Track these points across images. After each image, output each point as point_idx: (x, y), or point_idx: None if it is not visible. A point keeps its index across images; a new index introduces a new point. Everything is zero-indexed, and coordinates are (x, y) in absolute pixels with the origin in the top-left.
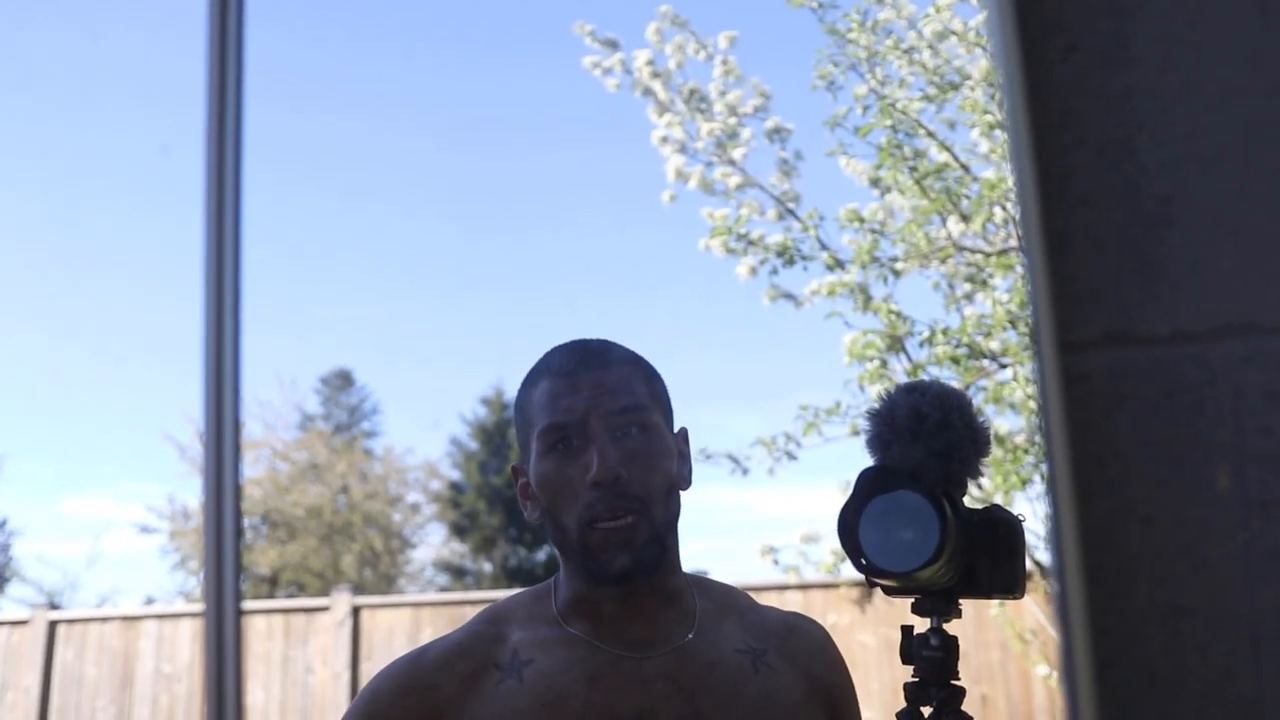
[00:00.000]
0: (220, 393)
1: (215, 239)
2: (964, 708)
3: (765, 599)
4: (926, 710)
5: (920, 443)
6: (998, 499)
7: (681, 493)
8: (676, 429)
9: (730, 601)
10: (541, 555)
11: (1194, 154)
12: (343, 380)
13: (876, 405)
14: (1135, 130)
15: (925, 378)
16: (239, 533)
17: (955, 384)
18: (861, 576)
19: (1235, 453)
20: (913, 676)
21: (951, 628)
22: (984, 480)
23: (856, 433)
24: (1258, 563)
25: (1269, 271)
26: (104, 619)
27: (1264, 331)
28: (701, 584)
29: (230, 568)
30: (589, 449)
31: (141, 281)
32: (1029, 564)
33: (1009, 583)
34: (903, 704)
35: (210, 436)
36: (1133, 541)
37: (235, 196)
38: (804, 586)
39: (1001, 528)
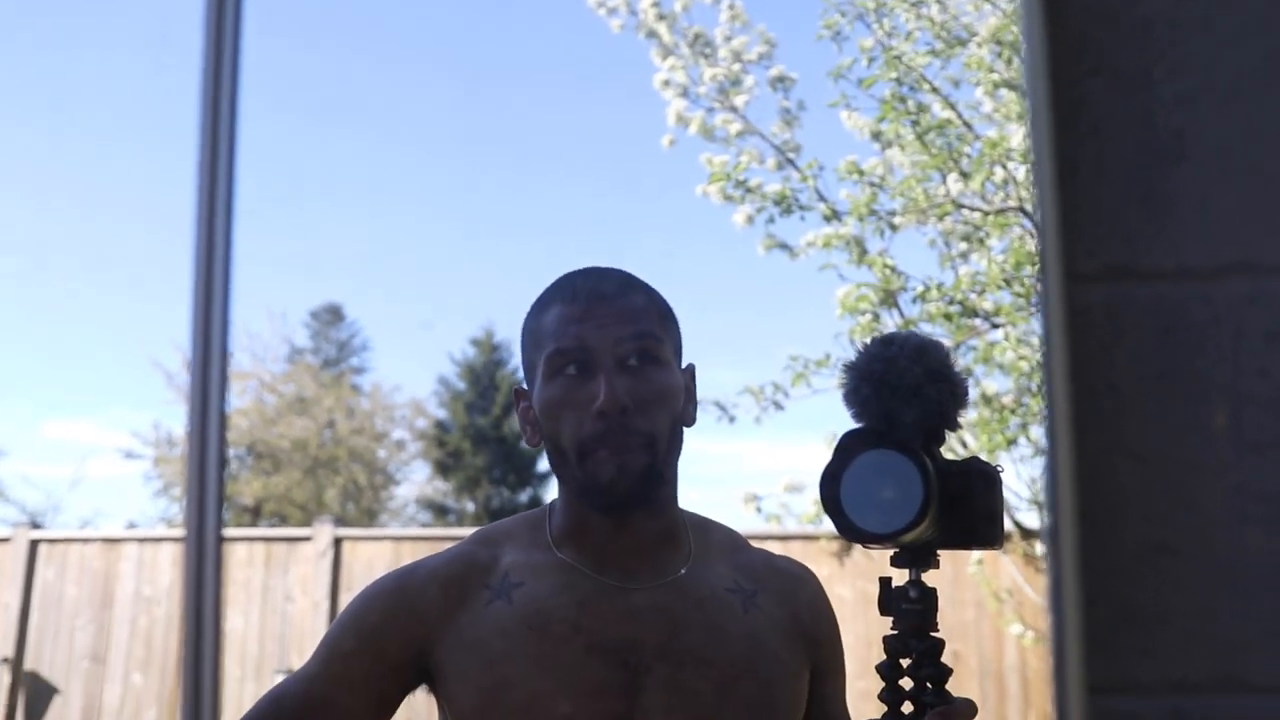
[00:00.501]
0: (209, 322)
1: (209, 166)
2: (941, 660)
3: None
4: (905, 662)
5: (898, 397)
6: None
7: (685, 429)
8: (684, 365)
9: (725, 541)
10: (524, 497)
11: (1210, 87)
12: (333, 315)
13: (853, 359)
14: (1153, 60)
15: (902, 331)
16: (223, 461)
17: (945, 341)
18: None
19: (1232, 393)
20: (892, 629)
21: (929, 579)
22: (969, 439)
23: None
24: (1247, 505)
25: (1275, 212)
26: (85, 540)
27: (1267, 271)
28: (698, 522)
29: (213, 495)
30: (596, 377)
31: (135, 209)
32: (1007, 521)
33: (987, 534)
34: (877, 657)
35: (197, 365)
36: (1123, 477)
37: (230, 125)
38: (784, 537)
39: (980, 480)
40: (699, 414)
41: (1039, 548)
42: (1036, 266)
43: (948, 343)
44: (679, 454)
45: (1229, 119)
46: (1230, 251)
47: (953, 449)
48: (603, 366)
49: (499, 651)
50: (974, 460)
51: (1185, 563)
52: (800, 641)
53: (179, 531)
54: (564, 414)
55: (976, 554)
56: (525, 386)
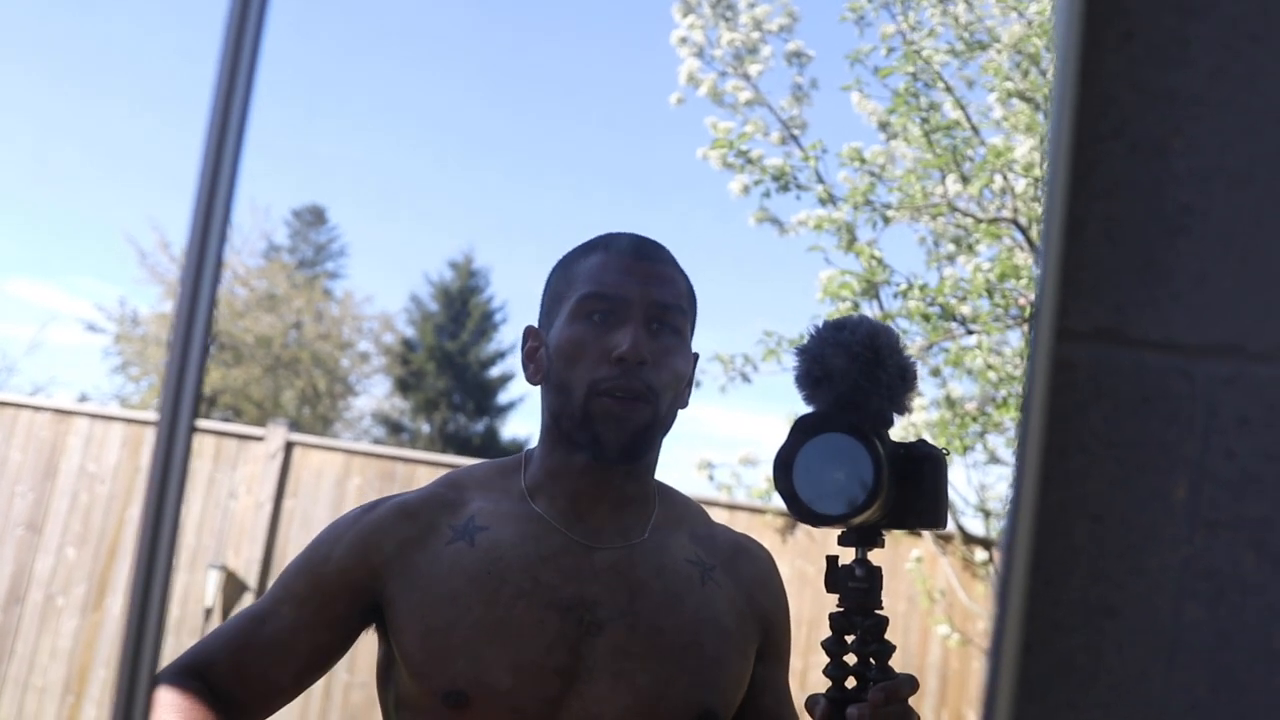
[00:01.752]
0: (210, 211)
1: (230, 61)
2: (885, 637)
3: None
4: (850, 638)
5: (850, 380)
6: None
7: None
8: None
9: (689, 514)
10: (480, 426)
11: (1224, 168)
12: (315, 216)
13: (805, 342)
14: (1172, 132)
15: (853, 315)
16: (205, 352)
17: (919, 340)
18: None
19: (1196, 469)
20: (838, 606)
21: (874, 558)
22: (927, 438)
23: None
24: (1192, 579)
25: (1267, 300)
26: (36, 408)
27: (1249, 357)
28: (666, 492)
29: (190, 387)
30: (624, 327)
31: (134, 86)
32: (951, 522)
33: (932, 516)
34: (807, 634)
35: (191, 259)
36: (1078, 535)
37: (258, 23)
38: (732, 507)
39: (926, 463)
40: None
41: (978, 554)
42: (1029, 316)
43: (921, 342)
44: (669, 428)
45: (1237, 201)
46: (1218, 332)
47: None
48: (633, 318)
49: (453, 590)
50: (921, 443)
51: (1125, 626)
52: (752, 621)
53: (132, 413)
54: (582, 354)
55: (915, 551)
56: (538, 328)
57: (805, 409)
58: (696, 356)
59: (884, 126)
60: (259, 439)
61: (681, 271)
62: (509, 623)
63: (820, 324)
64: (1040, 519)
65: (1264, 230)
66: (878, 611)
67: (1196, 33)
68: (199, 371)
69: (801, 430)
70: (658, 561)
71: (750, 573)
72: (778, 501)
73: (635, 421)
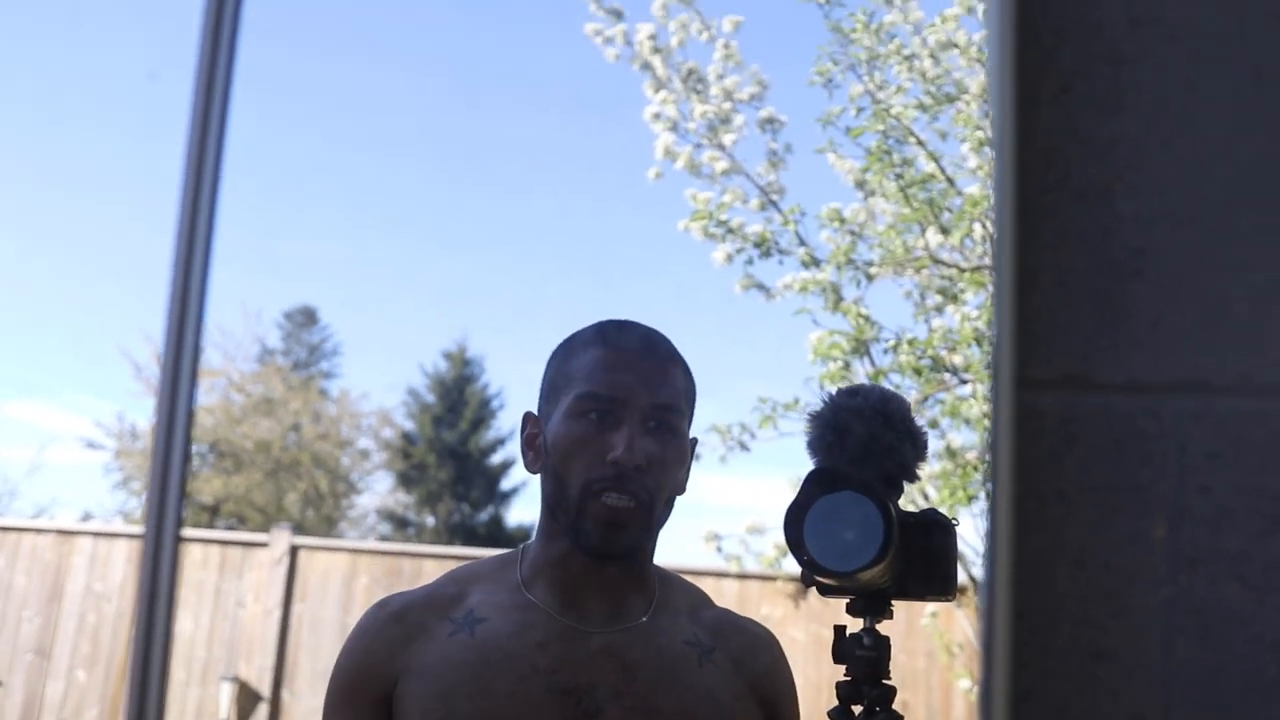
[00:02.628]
0: (184, 319)
1: (195, 165)
2: (893, 707)
3: (703, 584)
4: (857, 709)
5: (862, 446)
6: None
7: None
8: (691, 437)
9: (689, 596)
10: (484, 516)
11: (1170, 210)
12: (306, 317)
13: (818, 408)
14: (1115, 179)
15: (866, 383)
16: (186, 459)
17: (913, 394)
18: (800, 572)
19: (1173, 507)
20: (845, 675)
21: (883, 629)
22: (930, 491)
23: None
24: (1180, 617)
25: (1225, 334)
26: (39, 530)
27: (1214, 391)
28: (665, 576)
29: (174, 494)
30: (621, 429)
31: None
32: (961, 571)
33: (942, 586)
34: (827, 700)
35: (168, 361)
36: (1062, 582)
37: (220, 126)
38: (742, 576)
39: (936, 531)
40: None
41: None
42: (992, 369)
43: (915, 395)
44: (665, 522)
45: (1185, 241)
46: (1180, 369)
47: (914, 501)
48: (629, 420)
49: (454, 682)
50: (930, 512)
51: (1119, 669)
52: (754, 702)
53: (135, 528)
54: (578, 453)
55: (931, 606)
56: (538, 415)
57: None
58: (695, 441)
59: (860, 185)
60: (263, 545)
61: (682, 364)
62: (508, 710)
63: (834, 391)
64: (1022, 567)
65: (1213, 267)
66: (885, 681)
67: (1131, 80)
68: (181, 479)
69: (813, 486)
70: (656, 643)
71: (752, 653)
72: (787, 568)
73: (630, 525)
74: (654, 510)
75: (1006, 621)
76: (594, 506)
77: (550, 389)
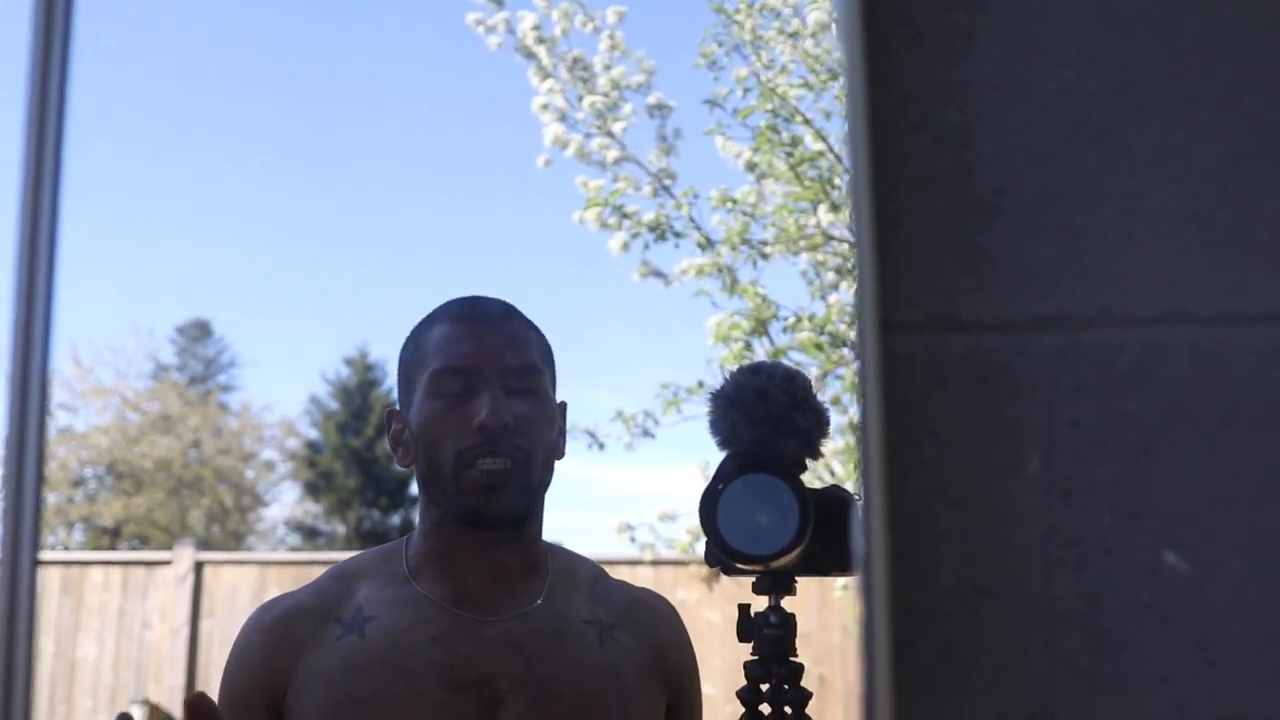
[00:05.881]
0: (29, 334)
1: (34, 173)
2: (803, 684)
3: (618, 573)
4: (766, 686)
5: (768, 425)
6: (848, 486)
7: (556, 461)
8: (558, 401)
9: (583, 573)
10: (396, 519)
11: (1026, 147)
12: (200, 331)
13: (720, 387)
14: (973, 120)
15: (767, 360)
16: (40, 480)
17: (814, 371)
18: (706, 553)
19: (1045, 441)
20: (752, 654)
21: (789, 605)
22: (836, 466)
23: None
24: (1057, 549)
25: (1085, 267)
26: None
27: (1077, 324)
28: (556, 552)
29: (28, 518)
30: (480, 395)
31: None
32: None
33: (846, 561)
34: (740, 678)
35: (17, 379)
36: (941, 522)
37: (57, 134)
38: (656, 562)
39: (840, 507)
40: (570, 441)
41: None
42: (857, 316)
43: (816, 371)
44: (548, 484)
45: (1042, 178)
46: (1044, 305)
47: (819, 478)
48: (488, 385)
49: (349, 688)
50: (834, 488)
51: (999, 604)
52: (657, 675)
53: None
54: (444, 429)
55: (841, 580)
56: (399, 409)
57: (718, 456)
58: (564, 405)
59: (751, 167)
60: (167, 563)
61: (530, 324)
62: (411, 711)
63: (735, 369)
64: (898, 510)
65: (1072, 202)
66: (793, 659)
67: (982, 24)
68: (36, 498)
69: (727, 471)
70: (553, 626)
71: (652, 626)
72: (701, 552)
73: (509, 484)
74: (530, 469)
75: (885, 565)
76: (469, 475)
77: (405, 379)
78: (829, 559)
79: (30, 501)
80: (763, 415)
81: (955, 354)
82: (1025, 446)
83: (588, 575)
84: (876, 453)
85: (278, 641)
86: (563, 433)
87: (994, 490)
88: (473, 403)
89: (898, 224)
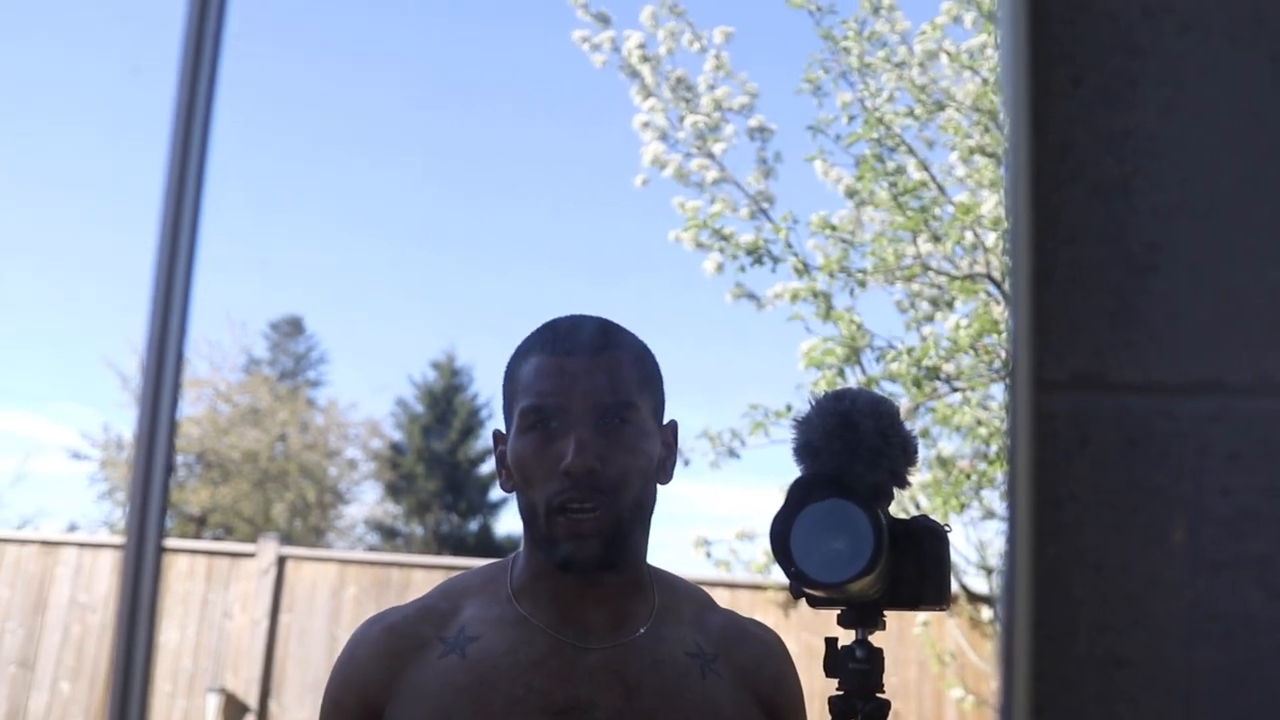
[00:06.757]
0: (166, 328)
1: (178, 170)
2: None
3: None
4: None
5: (850, 452)
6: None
7: (661, 486)
8: (666, 420)
9: (689, 601)
10: (474, 525)
11: (1186, 203)
12: (293, 327)
13: (805, 413)
14: (1131, 172)
15: (853, 387)
16: (169, 469)
17: (905, 402)
18: (789, 583)
19: (1192, 510)
20: (838, 689)
21: (875, 640)
22: (922, 500)
23: None
24: (1200, 622)
25: (1243, 331)
26: (23, 541)
27: (1233, 391)
28: (663, 579)
29: (156, 504)
30: (567, 435)
31: (98, 207)
32: (954, 583)
33: (935, 594)
34: (818, 710)
35: (150, 370)
36: (1079, 587)
37: (204, 129)
38: (732, 585)
39: (927, 538)
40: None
41: (985, 612)
42: (1008, 371)
43: (907, 403)
44: (651, 510)
45: (1202, 235)
46: (1197, 369)
47: (905, 509)
48: (574, 425)
49: (448, 706)
50: (922, 518)
51: (1137, 677)
52: (759, 709)
53: (120, 539)
54: (533, 470)
55: (922, 615)
56: (504, 430)
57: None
58: (675, 425)
59: (851, 194)
60: (250, 555)
61: (630, 351)
62: None
63: (820, 395)
64: (1038, 574)
65: (1231, 262)
66: (879, 695)
67: (1144, 72)
68: (164, 488)
69: (801, 494)
70: (654, 657)
71: (756, 660)
72: (777, 576)
73: (598, 533)
74: (619, 512)
75: (1025, 630)
76: (559, 522)
77: (506, 405)
78: (915, 591)
79: (158, 488)
80: (845, 441)
81: (1101, 415)
82: (1171, 514)
83: (694, 604)
84: (1024, 513)
85: (381, 655)
86: (670, 453)
87: (1136, 558)
88: (560, 442)
89: (1049, 277)
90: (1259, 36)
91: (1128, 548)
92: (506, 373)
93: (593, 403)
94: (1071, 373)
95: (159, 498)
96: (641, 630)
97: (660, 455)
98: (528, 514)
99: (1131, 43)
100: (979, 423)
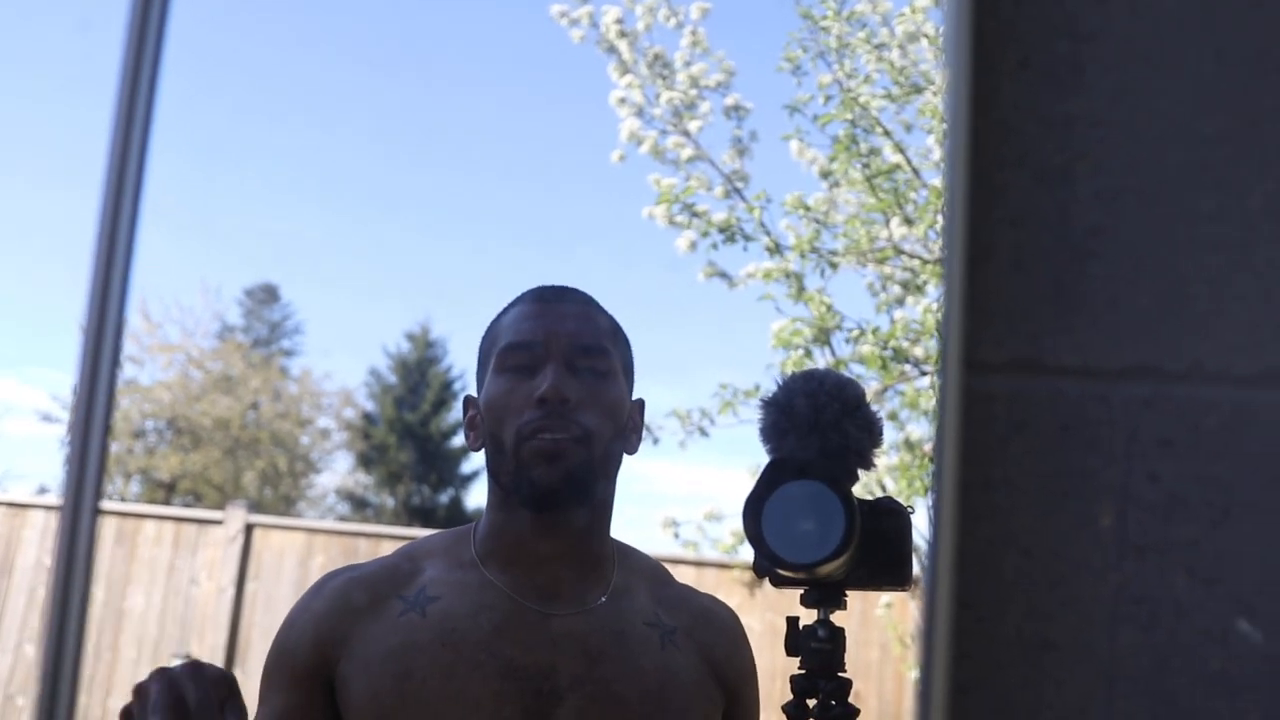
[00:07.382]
0: (106, 287)
1: (123, 129)
2: (848, 700)
3: None
4: (812, 702)
5: (818, 433)
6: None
7: (627, 456)
8: (635, 399)
9: (649, 574)
10: (444, 497)
11: (1130, 189)
12: (268, 295)
13: (772, 393)
14: (1075, 157)
15: (820, 368)
16: (107, 429)
17: (874, 385)
18: (754, 563)
19: (1121, 494)
20: (799, 668)
21: (837, 620)
22: (889, 483)
23: None
24: (1125, 605)
25: (1181, 319)
26: None
27: (1166, 378)
28: (625, 551)
29: (93, 464)
30: (543, 370)
31: (74, 171)
32: (915, 562)
33: (897, 575)
34: (781, 688)
35: (90, 331)
36: (1009, 570)
37: (150, 87)
38: (699, 563)
39: (890, 519)
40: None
41: None
42: (940, 352)
43: (875, 386)
44: (615, 471)
45: (1144, 222)
46: (1134, 354)
47: (871, 491)
48: (552, 361)
49: (406, 664)
50: (886, 500)
51: (1062, 658)
52: (715, 682)
53: (55, 501)
54: (508, 405)
55: (885, 596)
56: (475, 395)
57: (769, 460)
58: (642, 403)
59: (826, 174)
60: (218, 522)
61: (602, 311)
62: (466, 695)
63: (788, 375)
64: (966, 554)
65: (1173, 249)
66: (841, 674)
67: (1091, 56)
68: (101, 449)
69: (773, 476)
70: (616, 626)
71: (713, 633)
72: (745, 556)
73: (568, 460)
74: (592, 444)
75: (949, 610)
76: (528, 446)
77: (480, 363)
78: (876, 571)
79: (96, 450)
80: (812, 422)
81: (1038, 398)
82: (1101, 498)
83: (653, 577)
84: (950, 494)
85: (336, 608)
86: (636, 429)
87: (1065, 542)
88: (536, 378)
89: (987, 258)
90: (1206, 24)
91: (1057, 532)
92: (485, 333)
93: (571, 342)
94: (1010, 355)
95: (96, 458)
96: (602, 599)
97: (628, 424)
98: (496, 452)
99: (1080, 27)
100: (933, 398)
